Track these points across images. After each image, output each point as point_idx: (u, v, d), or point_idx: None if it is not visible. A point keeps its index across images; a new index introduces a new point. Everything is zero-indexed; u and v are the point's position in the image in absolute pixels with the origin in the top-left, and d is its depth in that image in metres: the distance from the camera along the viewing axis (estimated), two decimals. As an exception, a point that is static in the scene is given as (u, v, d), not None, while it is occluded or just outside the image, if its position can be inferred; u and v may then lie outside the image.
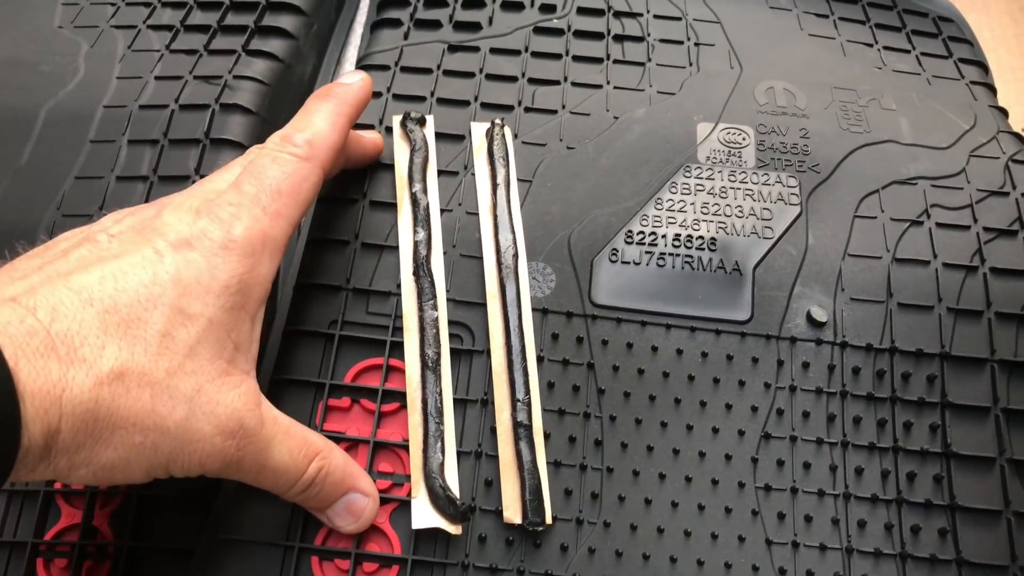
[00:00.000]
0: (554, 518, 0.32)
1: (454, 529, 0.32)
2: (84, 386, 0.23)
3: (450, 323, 0.35)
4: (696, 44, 0.46)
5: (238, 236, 0.27)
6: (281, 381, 0.34)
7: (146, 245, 0.26)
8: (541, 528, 0.32)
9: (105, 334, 0.24)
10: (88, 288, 0.24)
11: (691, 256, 0.37)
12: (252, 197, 0.28)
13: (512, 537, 0.32)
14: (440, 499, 0.31)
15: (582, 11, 0.46)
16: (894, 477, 0.34)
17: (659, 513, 0.33)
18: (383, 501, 0.32)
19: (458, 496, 0.32)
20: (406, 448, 0.33)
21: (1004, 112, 0.44)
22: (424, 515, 0.31)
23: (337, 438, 0.33)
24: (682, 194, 0.39)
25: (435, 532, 0.32)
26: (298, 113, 0.33)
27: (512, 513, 0.32)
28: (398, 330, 0.35)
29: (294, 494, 0.29)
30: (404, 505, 0.32)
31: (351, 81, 0.34)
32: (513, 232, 0.36)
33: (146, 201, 0.38)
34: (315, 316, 0.35)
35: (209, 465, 0.26)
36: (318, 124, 0.32)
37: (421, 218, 0.36)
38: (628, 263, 0.37)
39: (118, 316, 0.24)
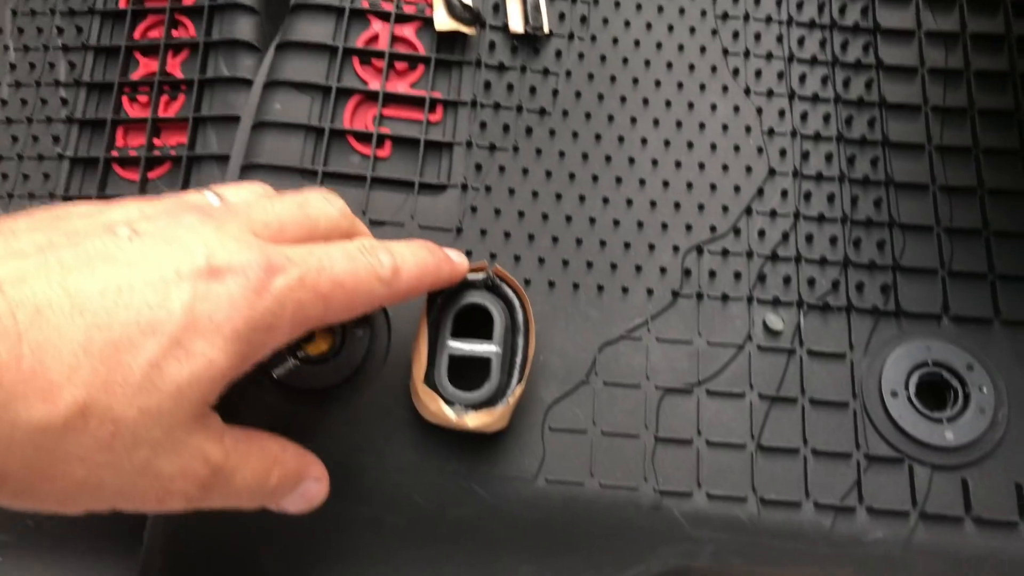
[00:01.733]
0: (551, 32, 0.40)
1: (470, 30, 0.39)
2: (35, 411, 0.20)
3: None
4: None
5: (277, 287, 0.23)
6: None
7: (169, 261, 0.22)
8: (541, 34, 0.39)
9: (85, 354, 0.20)
10: (85, 295, 0.21)
11: None
12: (313, 267, 0.24)
13: (516, 44, 0.39)
14: (456, 9, 0.39)
15: None
16: (828, 9, 0.41)
17: (636, 29, 0.40)
18: (408, 19, 0.39)
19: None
20: (427, -16, 0.40)
21: None
22: (444, 20, 0.39)
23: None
24: None
25: (453, 37, 0.39)
26: (398, 242, 0.29)
27: (516, 24, 0.39)
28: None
29: (256, 503, 0.26)
30: (427, 22, 0.39)
31: (459, 260, 0.31)
32: None
33: None
34: None
35: (169, 504, 0.23)
36: (409, 265, 0.28)
37: None
38: None
39: (107, 335, 0.21)
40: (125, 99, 0.42)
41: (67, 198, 0.39)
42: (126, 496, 0.22)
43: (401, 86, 0.39)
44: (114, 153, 0.40)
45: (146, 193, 0.39)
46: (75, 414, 0.20)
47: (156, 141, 0.40)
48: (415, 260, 0.28)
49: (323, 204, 0.28)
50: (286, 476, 0.27)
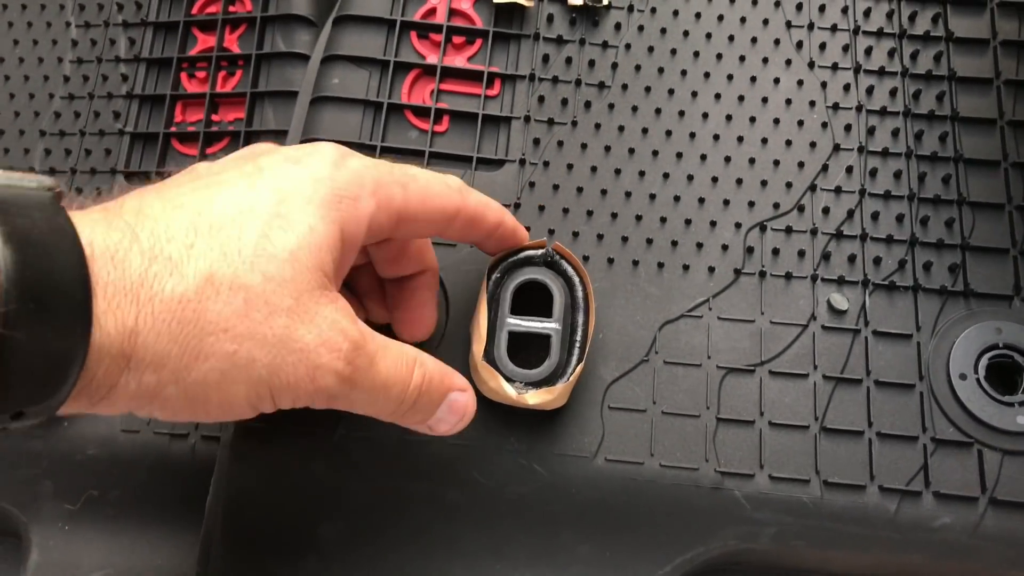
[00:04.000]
0: (610, 4, 0.39)
1: (528, 3, 0.38)
2: (166, 284, 0.21)
3: None
4: None
5: (353, 164, 0.26)
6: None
7: (248, 163, 0.25)
8: (600, 7, 0.38)
9: (195, 234, 0.22)
10: (179, 196, 0.23)
11: None
12: (385, 163, 0.27)
13: (575, 17, 0.39)
14: (515, -18, 0.38)
15: None
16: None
17: (697, 1, 0.39)
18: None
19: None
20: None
21: None
22: (502, -7, 0.38)
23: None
24: None
25: (511, 10, 0.39)
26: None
27: (575, -4, 0.39)
28: None
29: (404, 409, 0.27)
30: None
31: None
32: None
33: None
34: None
35: (321, 382, 0.24)
36: (475, 194, 0.30)
37: None
38: None
39: (210, 219, 0.23)
40: (184, 75, 0.42)
41: (128, 174, 0.40)
42: (278, 373, 0.23)
43: (459, 60, 0.38)
44: (173, 128, 0.40)
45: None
46: (203, 283, 0.22)
47: (214, 116, 0.41)
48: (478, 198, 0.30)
49: None
50: (430, 379, 0.27)
